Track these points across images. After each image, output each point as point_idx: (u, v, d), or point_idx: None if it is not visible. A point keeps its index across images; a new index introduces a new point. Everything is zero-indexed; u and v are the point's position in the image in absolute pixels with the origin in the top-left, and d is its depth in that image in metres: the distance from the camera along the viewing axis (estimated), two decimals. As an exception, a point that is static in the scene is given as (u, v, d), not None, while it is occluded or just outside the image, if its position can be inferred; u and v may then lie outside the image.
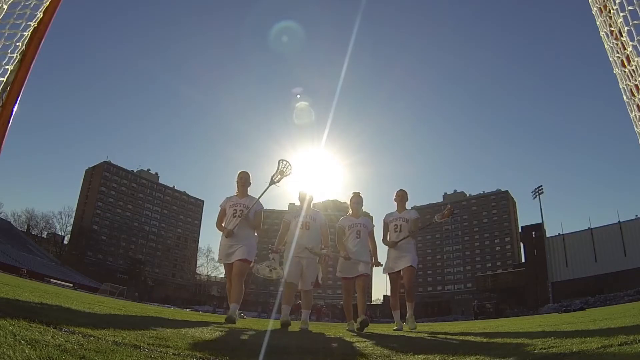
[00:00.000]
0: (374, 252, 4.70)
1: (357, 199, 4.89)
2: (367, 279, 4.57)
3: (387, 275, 4.92)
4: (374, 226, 4.82)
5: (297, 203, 4.74)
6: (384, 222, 5.09)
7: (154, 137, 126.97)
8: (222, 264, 4.42)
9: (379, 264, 4.72)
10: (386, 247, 4.96)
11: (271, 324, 4.29)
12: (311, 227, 4.46)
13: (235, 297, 4.09)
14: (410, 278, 4.72)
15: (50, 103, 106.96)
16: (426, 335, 3.40)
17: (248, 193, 4.56)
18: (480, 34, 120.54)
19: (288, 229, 4.51)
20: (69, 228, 71.57)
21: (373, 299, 75.24)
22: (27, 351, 1.14)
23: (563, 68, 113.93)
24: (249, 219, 4.34)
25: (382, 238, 5.02)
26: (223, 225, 4.46)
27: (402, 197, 5.11)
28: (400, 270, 4.75)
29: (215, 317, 6.56)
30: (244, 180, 4.54)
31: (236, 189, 4.56)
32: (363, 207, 4.97)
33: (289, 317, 4.12)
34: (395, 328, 4.70)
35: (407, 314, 4.65)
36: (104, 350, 1.35)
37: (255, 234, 4.48)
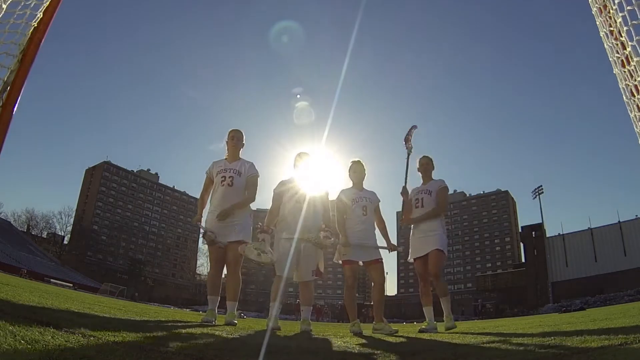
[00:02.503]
0: (384, 232, 3.83)
1: (357, 167, 3.91)
2: (382, 266, 3.69)
3: (414, 262, 4.04)
4: (379, 200, 3.91)
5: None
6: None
7: (154, 137, 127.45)
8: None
9: (394, 248, 3.77)
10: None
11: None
12: (310, 203, 3.63)
13: (232, 294, 3.51)
14: (438, 264, 3.78)
15: (50, 103, 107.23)
16: (426, 335, 3.39)
17: (240, 156, 3.78)
18: (480, 34, 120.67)
19: (280, 203, 3.67)
20: (69, 228, 71.83)
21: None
22: (27, 351, 1.14)
23: (563, 68, 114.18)
24: (238, 187, 3.58)
25: (401, 218, 4.22)
26: (209, 196, 3.70)
27: (426, 165, 4.15)
28: (427, 254, 3.83)
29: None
30: (235, 139, 3.75)
31: (226, 151, 3.80)
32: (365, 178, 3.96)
33: (277, 320, 3.34)
34: (423, 327, 3.72)
35: (444, 312, 3.79)
36: (104, 350, 1.35)
37: (250, 212, 3.75)
